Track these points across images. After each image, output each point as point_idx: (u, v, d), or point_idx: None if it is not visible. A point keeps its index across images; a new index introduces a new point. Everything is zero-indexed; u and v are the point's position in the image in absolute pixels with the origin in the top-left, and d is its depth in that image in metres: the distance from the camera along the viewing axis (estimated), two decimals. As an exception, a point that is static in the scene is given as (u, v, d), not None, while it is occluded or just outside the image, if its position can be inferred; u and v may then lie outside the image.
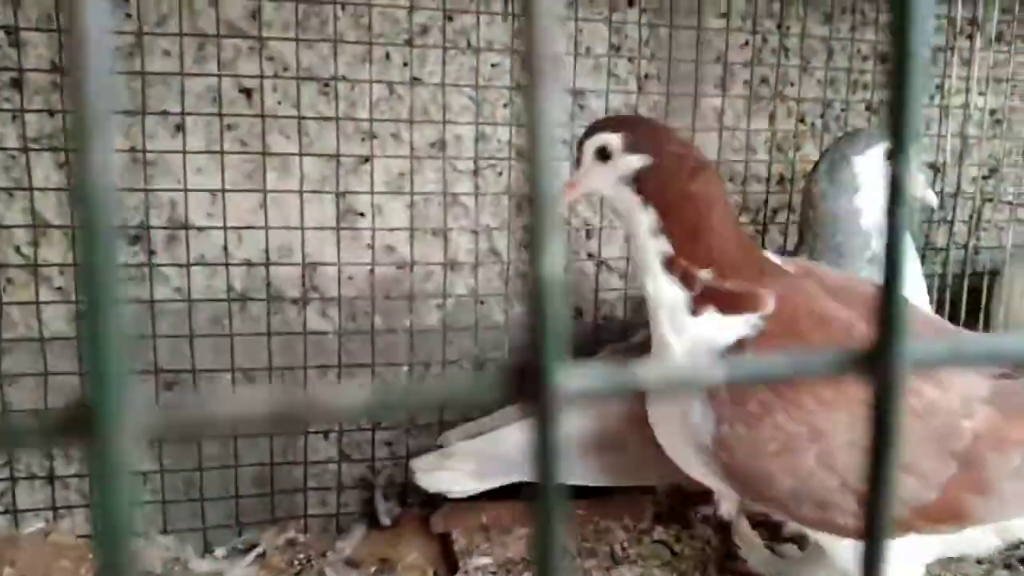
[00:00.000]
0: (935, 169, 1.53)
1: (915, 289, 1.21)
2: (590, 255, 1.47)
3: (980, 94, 1.48)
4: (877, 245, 1.20)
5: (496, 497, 1.23)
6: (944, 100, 1.60)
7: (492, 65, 1.36)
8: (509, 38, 1.34)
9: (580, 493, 1.23)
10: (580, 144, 0.99)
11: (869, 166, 1.20)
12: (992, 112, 1.60)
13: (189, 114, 1.23)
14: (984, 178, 1.61)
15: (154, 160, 1.24)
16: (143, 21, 1.18)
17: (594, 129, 0.99)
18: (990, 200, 1.55)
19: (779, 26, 1.51)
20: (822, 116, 1.57)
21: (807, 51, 1.52)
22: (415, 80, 1.31)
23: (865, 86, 1.57)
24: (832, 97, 1.56)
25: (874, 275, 1.19)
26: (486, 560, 1.25)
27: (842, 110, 1.57)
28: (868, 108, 1.59)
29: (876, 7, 1.54)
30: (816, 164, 1.27)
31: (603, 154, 0.96)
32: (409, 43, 1.29)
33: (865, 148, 1.21)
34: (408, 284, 1.37)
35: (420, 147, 1.34)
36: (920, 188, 1.21)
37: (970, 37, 1.53)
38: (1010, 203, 1.47)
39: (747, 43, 1.48)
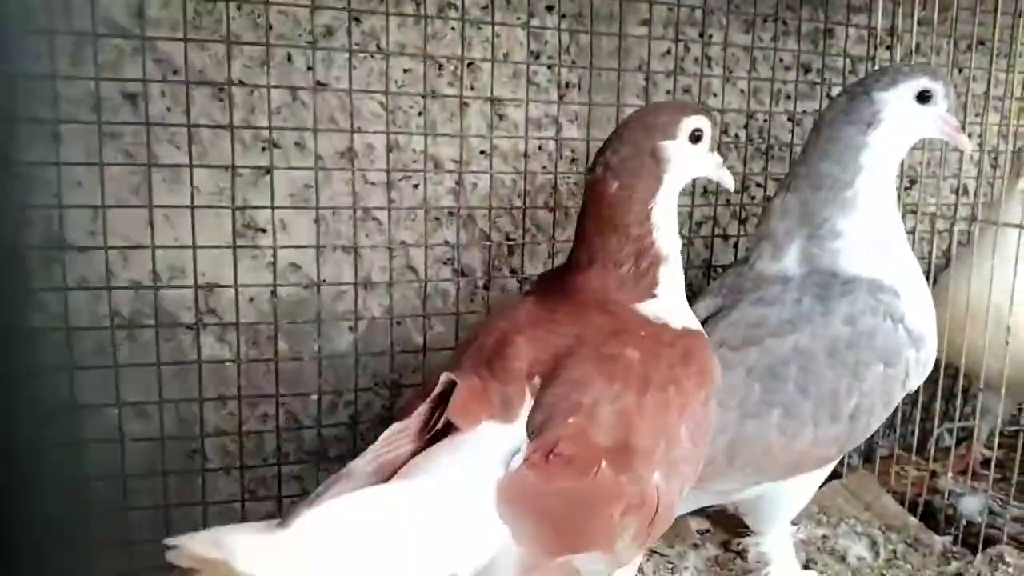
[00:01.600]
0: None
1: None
2: (512, 271, 1.40)
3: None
4: (862, 183, 1.11)
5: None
6: (865, 111, 1.60)
7: (404, 70, 1.27)
8: (422, 42, 1.26)
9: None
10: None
11: (893, 105, 1.11)
12: (911, 123, 1.60)
13: (65, 122, 1.11)
14: (905, 189, 1.60)
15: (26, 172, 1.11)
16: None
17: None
18: (913, 211, 1.54)
19: (701, 35, 1.47)
20: (745, 127, 1.54)
21: (730, 60, 1.49)
22: (320, 85, 1.22)
23: (788, 96, 1.55)
24: (755, 108, 1.53)
25: (847, 220, 1.10)
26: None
27: (765, 121, 1.55)
28: (791, 119, 1.57)
29: (798, 16, 1.52)
30: (838, 95, 1.20)
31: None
32: (312, 45, 1.20)
33: (890, 85, 1.12)
34: (315, 306, 1.27)
35: (327, 157, 1.25)
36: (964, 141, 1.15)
37: (889, 48, 1.52)
38: (933, 214, 1.46)
39: (669, 51, 1.44)
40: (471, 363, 0.83)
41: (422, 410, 0.78)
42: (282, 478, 1.31)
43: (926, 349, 1.11)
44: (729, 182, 1.00)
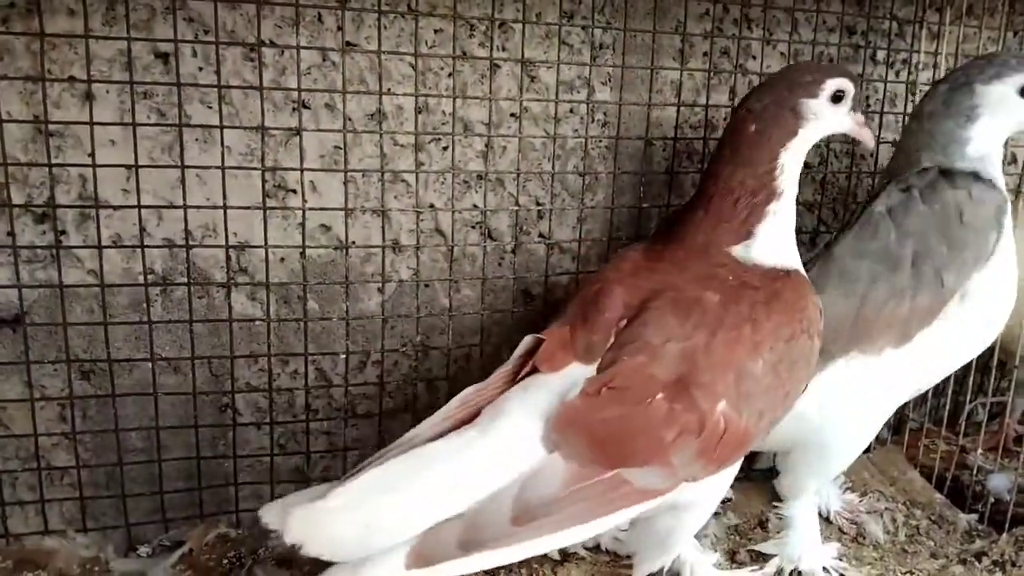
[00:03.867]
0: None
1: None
2: (541, 236, 1.39)
3: (948, 69, 1.41)
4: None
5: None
6: (911, 75, 1.54)
7: (435, 31, 1.26)
8: (453, 2, 1.24)
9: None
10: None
11: (994, 98, 1.12)
12: (959, 89, 1.54)
13: (98, 81, 1.12)
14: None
15: (60, 131, 1.13)
16: (42, -25, 1.07)
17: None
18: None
19: (742, -6, 1.42)
20: (785, 91, 1.49)
21: (770, 22, 1.45)
22: (350, 46, 1.21)
23: (831, 59, 1.50)
24: (796, 71, 1.48)
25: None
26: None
27: (806, 85, 1.50)
28: (833, 83, 1.52)
29: (843, -24, 1.46)
30: (937, 83, 1.20)
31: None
32: (342, 5, 1.19)
33: (994, 78, 1.12)
34: (344, 267, 1.28)
35: (356, 119, 1.24)
36: None
37: (939, 10, 1.46)
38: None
39: (707, 12, 1.40)
40: (571, 313, 0.96)
41: (508, 367, 0.93)
42: (311, 433, 1.34)
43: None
44: (869, 141, 1.07)
